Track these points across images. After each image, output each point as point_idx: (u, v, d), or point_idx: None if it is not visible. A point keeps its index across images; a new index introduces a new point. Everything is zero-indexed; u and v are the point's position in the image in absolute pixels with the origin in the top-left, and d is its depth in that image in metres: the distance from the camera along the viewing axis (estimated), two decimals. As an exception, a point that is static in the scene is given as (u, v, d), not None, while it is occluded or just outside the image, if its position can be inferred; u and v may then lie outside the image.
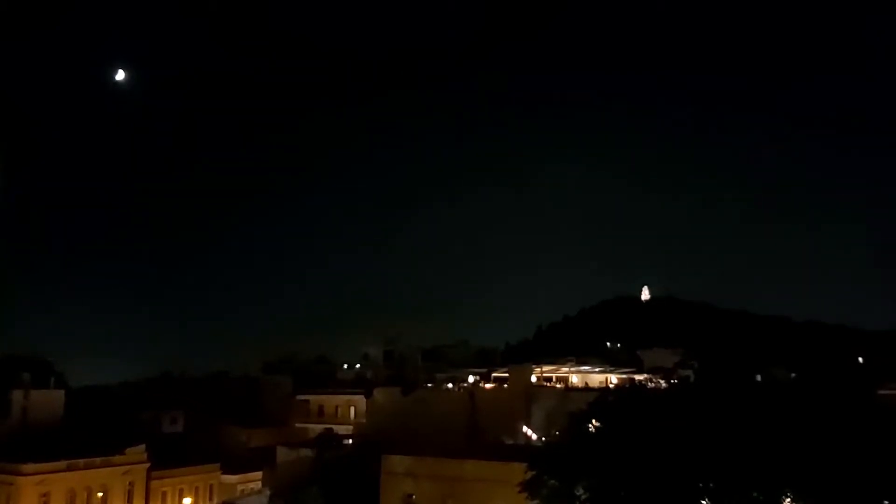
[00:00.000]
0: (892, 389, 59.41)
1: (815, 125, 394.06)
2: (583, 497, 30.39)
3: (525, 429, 65.10)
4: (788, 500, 28.49)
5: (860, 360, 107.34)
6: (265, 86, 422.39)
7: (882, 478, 27.98)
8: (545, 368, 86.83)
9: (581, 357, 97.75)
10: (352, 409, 79.63)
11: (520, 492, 32.70)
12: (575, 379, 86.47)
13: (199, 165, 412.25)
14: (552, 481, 31.57)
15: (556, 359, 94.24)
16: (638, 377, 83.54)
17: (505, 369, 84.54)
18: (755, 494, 27.74)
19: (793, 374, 79.45)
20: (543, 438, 52.65)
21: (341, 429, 74.94)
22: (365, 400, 77.38)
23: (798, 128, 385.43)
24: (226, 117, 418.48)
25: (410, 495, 45.40)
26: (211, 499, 65.72)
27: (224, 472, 66.97)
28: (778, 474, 27.45)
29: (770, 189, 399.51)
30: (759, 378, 73.96)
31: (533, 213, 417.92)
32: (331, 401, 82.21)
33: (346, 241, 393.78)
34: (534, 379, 78.85)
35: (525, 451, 41.35)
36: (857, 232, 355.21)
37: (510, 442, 61.65)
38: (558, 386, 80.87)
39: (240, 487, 65.40)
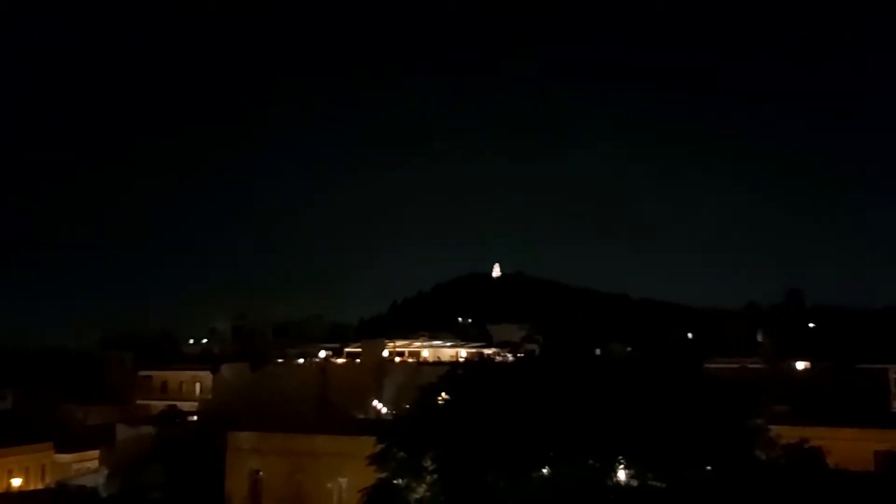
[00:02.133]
0: (716, 363, 64.15)
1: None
2: (430, 468, 30.91)
3: (376, 403, 65.57)
4: (622, 466, 30.19)
5: (689, 335, 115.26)
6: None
7: (705, 444, 30.17)
8: (398, 343, 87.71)
9: (433, 332, 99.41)
10: (197, 385, 77.41)
11: (368, 465, 32.88)
12: (426, 353, 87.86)
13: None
14: (401, 454, 31.90)
15: (409, 334, 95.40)
16: (487, 351, 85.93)
17: (358, 344, 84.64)
18: (591, 462, 29.15)
19: (629, 349, 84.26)
20: (394, 412, 53.21)
21: (186, 405, 72.69)
22: (211, 376, 75.29)
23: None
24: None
25: (257, 472, 44.69)
26: (43, 479, 62.07)
27: (58, 451, 63.39)
28: (612, 443, 28.99)
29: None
30: (598, 352, 77.98)
31: (393, 194, 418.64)
32: (175, 377, 79.56)
33: (195, 216, 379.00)
34: (386, 354, 79.47)
35: (375, 425, 41.61)
36: (688, 216, 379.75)
37: (361, 416, 61.90)
38: (410, 360, 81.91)
39: (75, 467, 62.07)
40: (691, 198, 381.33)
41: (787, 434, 36.03)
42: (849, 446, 35.21)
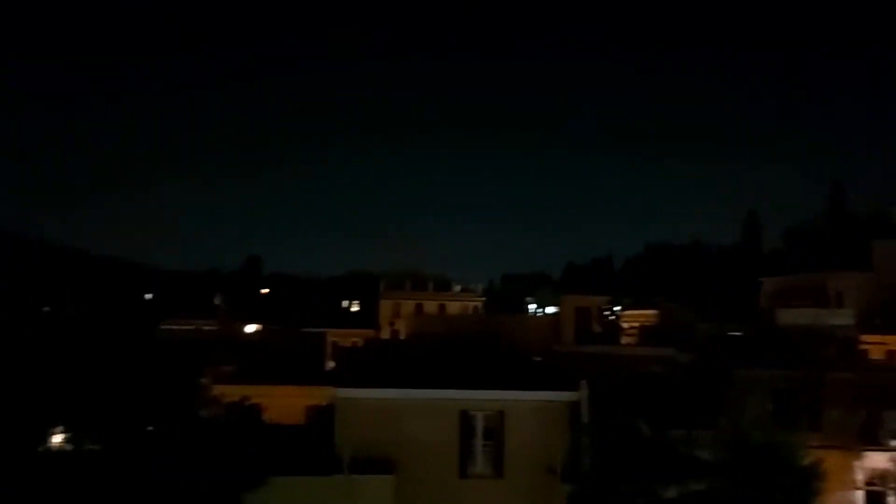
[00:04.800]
0: (174, 325, 64.49)
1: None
2: None
3: None
4: (60, 431, 28.54)
5: (149, 296, 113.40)
6: None
7: (149, 404, 30.12)
8: None
9: None
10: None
11: None
12: None
13: None
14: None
15: None
16: None
17: None
18: (22, 428, 26.90)
19: (82, 308, 79.30)
20: None
21: None
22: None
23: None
24: None
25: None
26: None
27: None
28: (47, 407, 27.16)
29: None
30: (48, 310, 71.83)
31: None
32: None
33: None
34: None
35: None
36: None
37: None
38: None
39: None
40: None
41: (231, 392, 38.12)
42: (285, 402, 38.66)
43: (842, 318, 47.37)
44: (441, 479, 24.07)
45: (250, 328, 73.11)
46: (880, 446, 36.41)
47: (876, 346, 48.56)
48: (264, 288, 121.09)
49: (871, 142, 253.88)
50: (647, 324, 62.81)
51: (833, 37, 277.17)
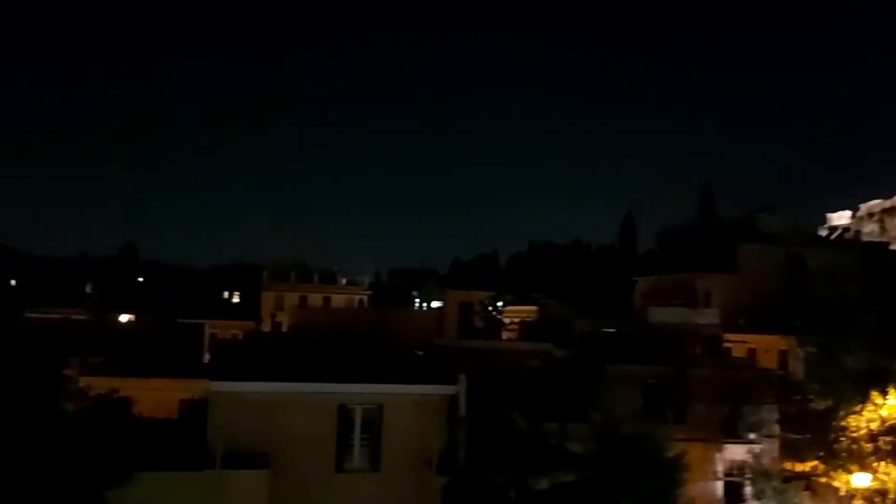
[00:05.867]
0: (40, 313, 61.00)
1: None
2: None
3: None
4: None
5: (13, 282, 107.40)
6: None
7: (8, 397, 28.44)
8: None
9: None
10: None
11: None
12: None
13: None
14: None
15: None
16: None
17: None
18: None
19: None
20: None
21: None
22: None
23: None
24: None
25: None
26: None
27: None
28: None
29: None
30: None
31: None
32: None
33: None
34: None
35: None
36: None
37: None
38: None
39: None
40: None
41: (99, 385, 36.34)
42: (157, 395, 37.22)
43: (708, 317, 49.93)
44: (316, 474, 23.78)
45: (123, 318, 69.99)
46: (739, 439, 38.65)
47: (738, 344, 51.42)
48: (139, 276, 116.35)
49: (740, 149, 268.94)
50: (527, 319, 64.29)
51: (708, 42, 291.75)
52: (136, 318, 70.10)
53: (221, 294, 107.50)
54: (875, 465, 33.12)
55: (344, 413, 24.41)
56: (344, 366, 26.00)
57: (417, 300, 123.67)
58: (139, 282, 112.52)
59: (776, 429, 38.82)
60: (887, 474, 32.59)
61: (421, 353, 35.41)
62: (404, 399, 24.79)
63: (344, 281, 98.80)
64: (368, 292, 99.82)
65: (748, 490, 36.89)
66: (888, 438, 33.72)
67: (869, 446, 33.84)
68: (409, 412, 24.61)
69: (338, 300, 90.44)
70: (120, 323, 67.94)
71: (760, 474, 35.25)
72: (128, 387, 36.23)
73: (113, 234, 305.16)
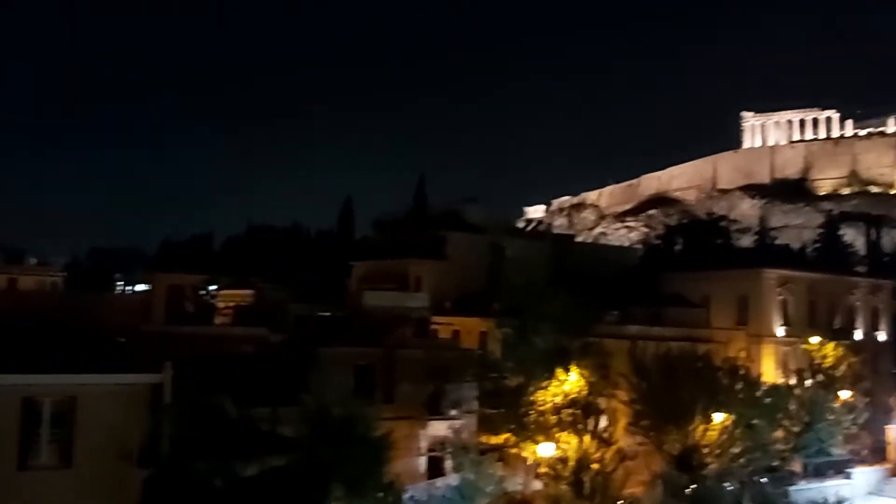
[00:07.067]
0: None
1: None
2: None
3: None
4: None
5: None
6: None
7: None
8: None
9: None
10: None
11: None
12: None
13: None
14: None
15: None
16: None
17: None
18: None
19: None
20: None
21: None
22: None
23: None
24: None
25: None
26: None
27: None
28: None
29: None
30: None
31: None
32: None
33: None
34: None
35: None
36: None
37: None
38: None
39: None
40: None
41: None
42: None
43: (418, 301, 52.28)
44: (-4, 473, 21.42)
45: None
46: (442, 416, 41.06)
47: (444, 326, 54.42)
48: None
49: (451, 145, 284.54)
50: (242, 304, 62.75)
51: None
52: None
53: None
54: (558, 435, 36.92)
55: (30, 406, 22.25)
56: (30, 355, 23.57)
57: (121, 283, 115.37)
58: None
59: (475, 405, 41.78)
60: (568, 443, 36.42)
61: (123, 339, 33.03)
62: (101, 389, 23.15)
63: (34, 261, 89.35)
64: (63, 274, 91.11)
65: (448, 464, 39.21)
66: (569, 411, 37.76)
67: (553, 418, 37.69)
68: (107, 403, 23.00)
69: (26, 282, 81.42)
70: None
71: (459, 448, 37.62)
72: None
73: None
